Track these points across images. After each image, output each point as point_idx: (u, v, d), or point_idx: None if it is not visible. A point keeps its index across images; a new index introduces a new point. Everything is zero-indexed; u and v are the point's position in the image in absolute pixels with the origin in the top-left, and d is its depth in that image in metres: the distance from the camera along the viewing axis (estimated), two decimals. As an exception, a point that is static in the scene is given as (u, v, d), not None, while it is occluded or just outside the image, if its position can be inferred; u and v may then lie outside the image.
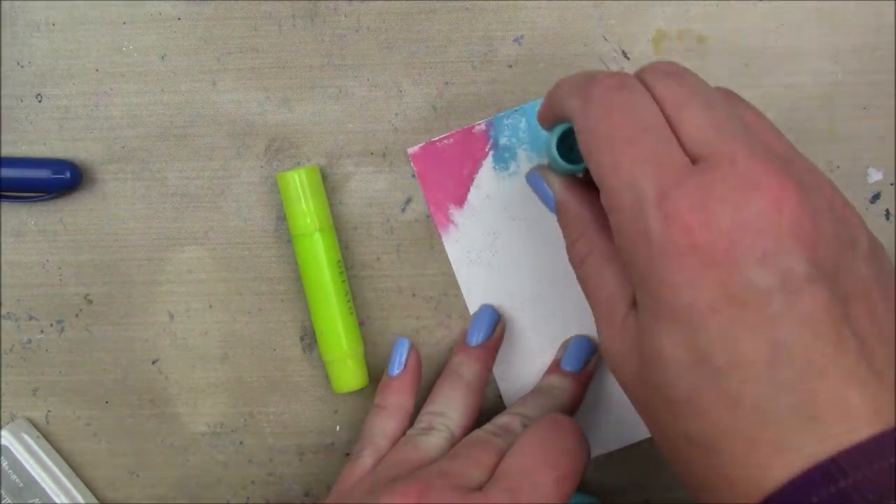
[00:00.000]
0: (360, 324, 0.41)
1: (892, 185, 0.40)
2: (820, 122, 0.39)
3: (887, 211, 0.40)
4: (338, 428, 0.42)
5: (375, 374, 0.40)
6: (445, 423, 0.37)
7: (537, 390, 0.39)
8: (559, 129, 0.32)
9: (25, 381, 0.41)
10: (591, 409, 0.41)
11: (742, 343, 0.25)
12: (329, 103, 0.40)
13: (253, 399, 0.41)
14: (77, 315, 0.41)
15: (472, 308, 0.40)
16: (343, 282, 0.39)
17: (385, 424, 0.37)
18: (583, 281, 0.32)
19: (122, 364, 0.41)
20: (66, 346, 0.41)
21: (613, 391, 0.41)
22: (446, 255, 0.40)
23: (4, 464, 0.40)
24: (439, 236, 0.40)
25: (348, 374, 0.39)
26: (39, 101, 0.40)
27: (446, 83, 0.39)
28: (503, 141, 0.39)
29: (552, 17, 0.39)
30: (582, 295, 0.32)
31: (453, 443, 0.36)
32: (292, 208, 0.38)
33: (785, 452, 0.24)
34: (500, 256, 0.40)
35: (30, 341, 0.41)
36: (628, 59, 0.39)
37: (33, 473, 0.40)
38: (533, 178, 0.34)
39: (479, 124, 0.39)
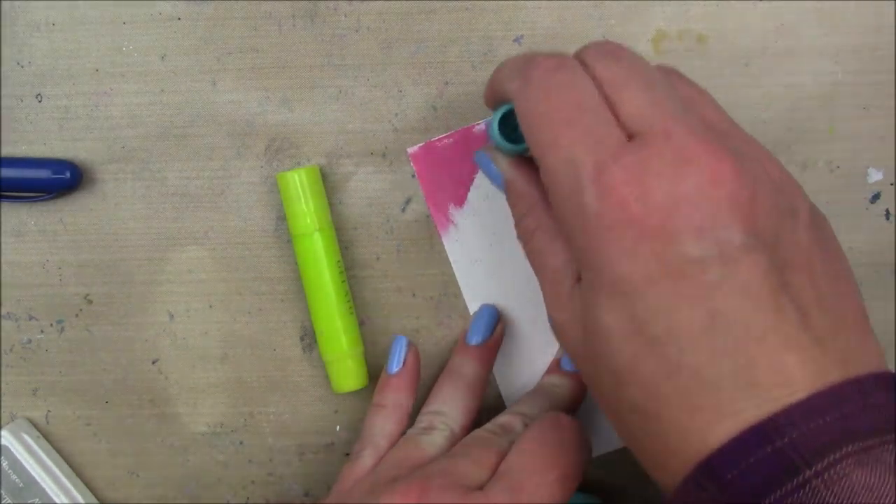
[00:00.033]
0: (360, 324, 0.41)
1: (892, 185, 0.40)
2: (820, 122, 0.39)
3: (887, 211, 0.40)
4: (338, 428, 0.42)
5: (375, 374, 0.40)
6: (446, 422, 0.37)
7: (537, 390, 0.39)
8: (501, 111, 0.33)
9: (25, 381, 0.41)
10: (591, 409, 0.41)
11: (680, 312, 0.25)
12: (329, 103, 0.40)
13: (253, 399, 0.41)
14: (77, 315, 0.41)
15: (472, 308, 0.40)
16: (343, 282, 0.39)
17: (384, 423, 0.37)
18: (530, 255, 0.32)
19: (122, 364, 0.41)
20: (66, 346, 0.41)
21: (613, 391, 0.41)
22: (446, 255, 0.40)
23: (4, 464, 0.40)
24: (439, 236, 0.40)
25: (348, 374, 0.39)
26: (39, 101, 0.40)
27: (446, 83, 0.39)
28: (503, 141, 0.39)
29: (552, 17, 0.39)
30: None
31: (454, 442, 0.36)
32: (292, 208, 0.38)
33: (724, 417, 0.25)
34: (500, 256, 0.40)
35: (30, 341, 0.41)
36: (628, 59, 0.39)
37: (33, 473, 0.40)
38: (480, 157, 0.35)
39: (479, 124, 0.39)
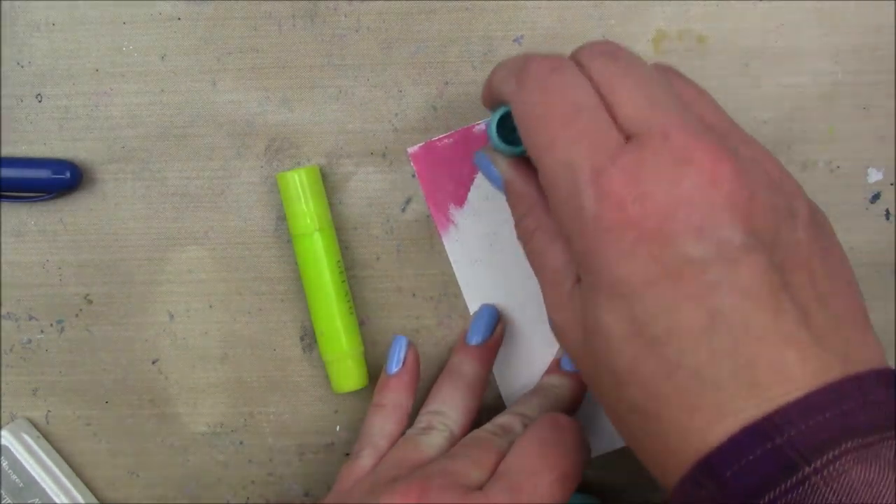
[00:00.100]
0: (360, 324, 0.41)
1: (892, 185, 0.40)
2: (820, 122, 0.39)
3: (887, 211, 0.40)
4: (338, 428, 0.42)
5: (375, 374, 0.40)
6: (445, 422, 0.37)
7: (537, 390, 0.39)
8: (498, 113, 0.33)
9: (25, 381, 0.41)
10: (590, 409, 0.41)
11: (679, 313, 0.25)
12: (329, 103, 0.40)
13: (253, 399, 0.41)
14: (77, 315, 0.41)
15: (472, 308, 0.40)
16: (343, 282, 0.39)
17: (384, 423, 0.37)
18: (530, 256, 0.32)
19: (122, 364, 0.41)
20: (66, 346, 0.41)
21: (613, 391, 0.41)
22: (446, 255, 0.40)
23: (4, 464, 0.40)
24: (439, 236, 0.40)
25: (348, 374, 0.39)
26: (39, 101, 0.40)
27: (446, 83, 0.39)
28: (503, 141, 0.39)
29: (552, 17, 0.39)
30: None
31: (453, 442, 0.36)
32: (292, 208, 0.38)
33: (724, 417, 0.25)
34: (500, 256, 0.40)
35: (30, 341, 0.41)
36: (628, 59, 0.39)
37: (33, 473, 0.40)
38: (480, 159, 0.35)
39: (479, 124, 0.39)
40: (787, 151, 0.39)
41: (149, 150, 0.40)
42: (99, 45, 0.39)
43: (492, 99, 0.33)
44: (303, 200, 0.38)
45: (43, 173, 0.39)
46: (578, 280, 0.29)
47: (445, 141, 0.39)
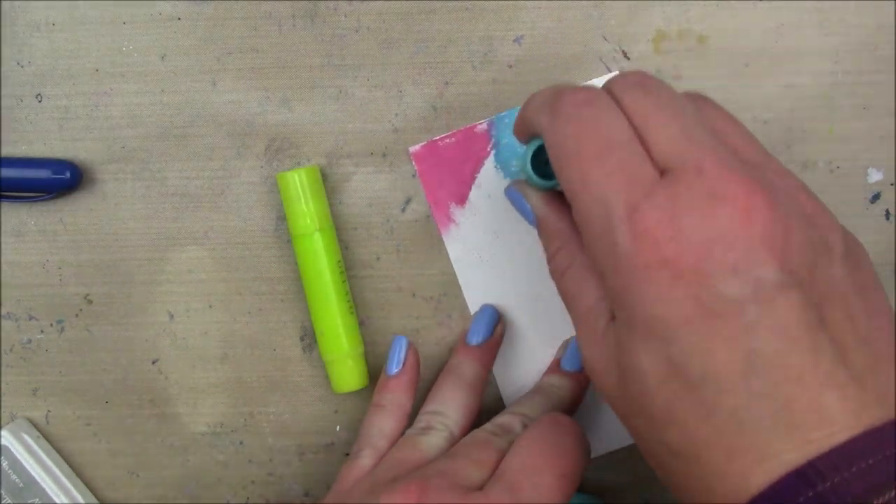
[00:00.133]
0: (360, 324, 0.41)
1: (892, 185, 0.40)
2: (820, 122, 0.39)
3: (887, 211, 0.40)
4: (338, 428, 0.42)
5: (375, 374, 0.40)
6: (445, 422, 0.37)
7: (537, 390, 0.39)
8: (533, 145, 0.32)
9: (25, 381, 0.41)
10: (591, 409, 0.41)
11: (716, 354, 0.25)
12: (329, 103, 0.40)
13: (253, 399, 0.41)
14: (77, 315, 0.41)
15: (473, 308, 0.40)
16: (343, 282, 0.39)
17: (383, 423, 0.37)
18: (563, 294, 0.32)
19: (122, 364, 0.41)
20: (66, 346, 0.41)
21: (613, 391, 0.40)
22: (446, 255, 0.40)
23: (4, 464, 0.40)
24: (440, 235, 0.40)
25: (348, 374, 0.39)
26: (39, 101, 0.40)
27: (446, 83, 0.39)
28: (505, 140, 0.39)
29: (552, 17, 0.39)
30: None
31: (453, 442, 0.36)
32: (292, 208, 0.38)
33: (764, 460, 0.24)
34: (501, 256, 0.40)
35: (30, 341, 0.41)
36: (628, 59, 0.39)
37: (33, 473, 0.40)
38: (511, 193, 0.34)
39: (481, 124, 0.39)
40: (787, 151, 0.39)
41: (149, 150, 0.40)
42: (99, 45, 0.39)
43: (526, 131, 0.32)
44: (303, 200, 0.38)
45: (43, 173, 0.39)
46: (612, 318, 0.29)
47: (447, 140, 0.39)
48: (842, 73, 0.39)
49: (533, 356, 0.41)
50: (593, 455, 0.41)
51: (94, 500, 0.42)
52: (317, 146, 0.40)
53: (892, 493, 0.23)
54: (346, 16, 0.39)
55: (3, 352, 0.41)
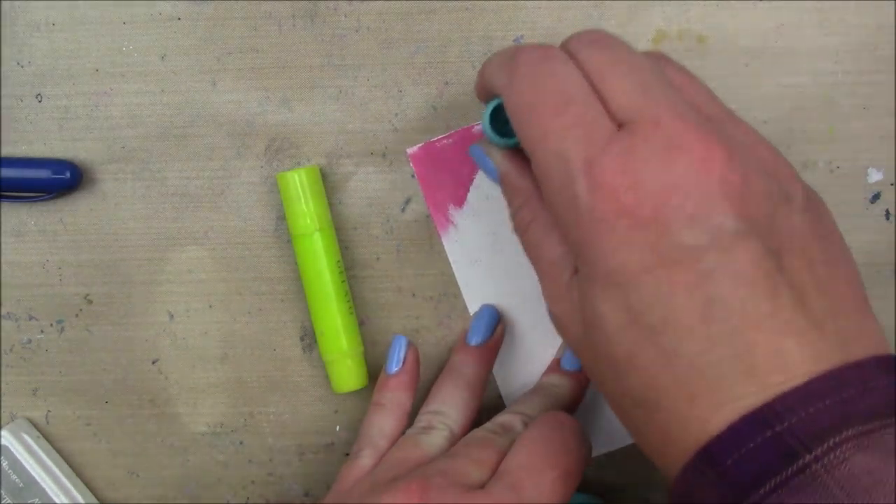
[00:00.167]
0: (360, 324, 0.41)
1: (892, 185, 0.40)
2: (820, 122, 0.39)
3: (887, 211, 0.40)
4: (338, 428, 0.42)
5: (375, 374, 0.40)
6: (445, 422, 0.37)
7: (537, 389, 0.39)
8: (491, 105, 0.32)
9: (25, 381, 0.41)
10: (591, 409, 0.41)
11: (675, 301, 0.25)
12: (329, 103, 0.40)
13: (253, 399, 0.41)
14: (77, 315, 0.41)
15: (472, 308, 0.40)
16: (343, 282, 0.39)
17: (383, 423, 0.37)
18: (527, 248, 0.32)
19: (122, 364, 0.41)
20: (66, 346, 0.41)
21: (613, 391, 0.41)
22: (446, 255, 0.40)
23: (4, 464, 0.40)
24: (439, 236, 0.40)
25: (348, 374, 0.39)
26: (39, 101, 0.40)
27: (446, 83, 0.39)
28: (503, 141, 0.39)
29: (552, 17, 0.39)
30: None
31: (453, 442, 0.36)
32: (292, 208, 0.38)
33: (723, 405, 0.25)
34: (500, 257, 0.40)
35: (30, 341, 0.41)
36: (628, 59, 0.39)
37: (33, 473, 0.40)
38: (475, 151, 0.35)
39: (478, 124, 0.39)
40: (786, 151, 0.39)
41: (149, 150, 0.40)
42: (99, 45, 0.39)
43: (484, 91, 0.33)
44: (303, 200, 0.38)
45: (43, 173, 0.39)
46: (576, 271, 0.29)
47: (445, 141, 0.39)
48: (842, 73, 0.39)
49: (533, 356, 0.41)
50: (594, 455, 0.41)
51: (94, 500, 0.42)
52: (317, 146, 0.40)
53: (849, 433, 0.23)
54: (346, 16, 0.39)
55: (3, 352, 0.41)
